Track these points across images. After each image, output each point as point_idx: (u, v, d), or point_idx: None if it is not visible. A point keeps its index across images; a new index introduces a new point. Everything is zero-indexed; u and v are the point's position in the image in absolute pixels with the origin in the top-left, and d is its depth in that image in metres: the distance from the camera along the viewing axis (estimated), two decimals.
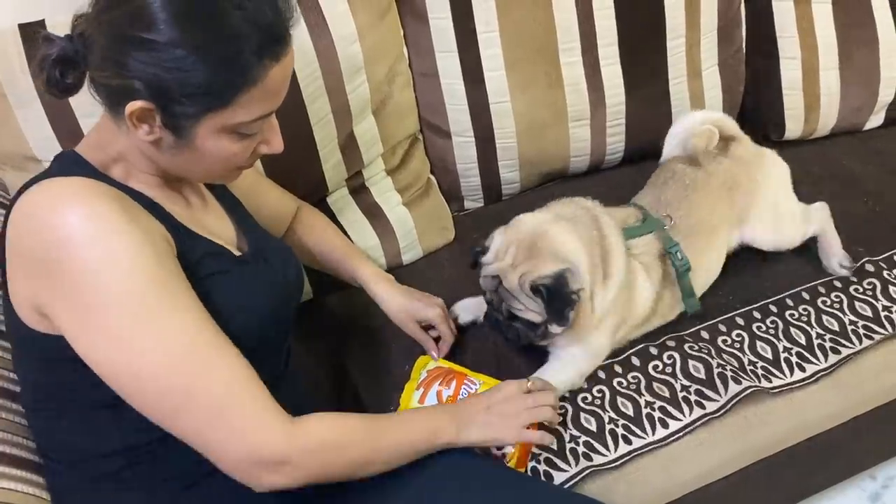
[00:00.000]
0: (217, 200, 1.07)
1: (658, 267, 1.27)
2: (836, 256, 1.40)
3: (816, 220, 1.43)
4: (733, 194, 1.37)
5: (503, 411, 1.01)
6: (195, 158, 0.89)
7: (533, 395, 1.05)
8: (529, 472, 1.13)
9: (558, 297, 1.11)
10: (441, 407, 1.02)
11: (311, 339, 1.32)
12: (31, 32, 1.18)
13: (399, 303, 1.25)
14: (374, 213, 1.45)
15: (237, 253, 0.98)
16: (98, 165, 0.90)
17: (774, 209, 1.39)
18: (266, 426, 0.82)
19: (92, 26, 0.84)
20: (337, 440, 0.87)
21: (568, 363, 1.22)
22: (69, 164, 0.90)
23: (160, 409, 0.81)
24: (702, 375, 1.24)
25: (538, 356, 1.25)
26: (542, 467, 1.14)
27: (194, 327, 0.81)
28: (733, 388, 1.22)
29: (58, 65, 0.85)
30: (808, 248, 1.44)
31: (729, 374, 1.24)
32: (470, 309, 1.34)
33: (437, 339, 1.26)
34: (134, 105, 0.82)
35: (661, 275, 1.27)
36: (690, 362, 1.26)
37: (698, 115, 1.45)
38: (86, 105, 1.18)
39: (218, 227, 1.02)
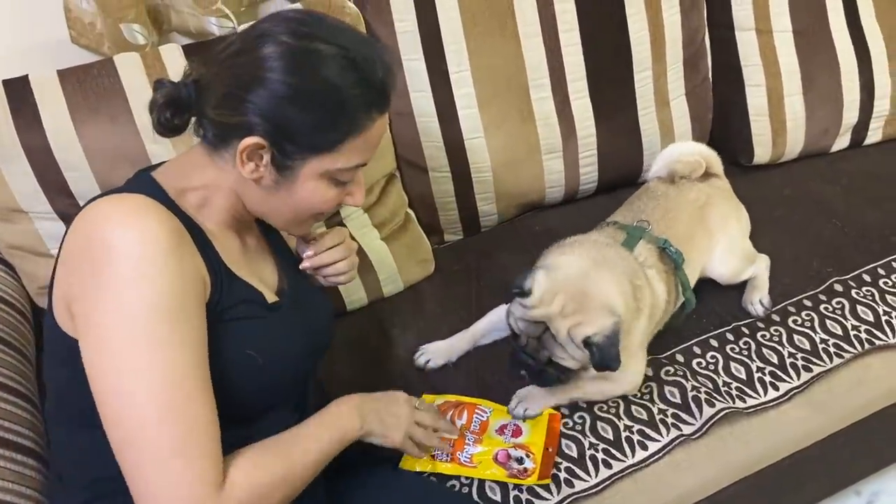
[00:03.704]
0: (269, 245, 1.11)
1: (663, 268, 1.32)
2: (760, 294, 1.43)
3: (759, 265, 1.47)
4: (706, 210, 1.42)
5: (394, 413, 1.07)
6: (289, 200, 0.95)
7: (418, 411, 1.11)
8: (512, 501, 1.15)
9: (607, 353, 1.13)
10: (343, 403, 1.03)
11: None
12: (16, 88, 1.23)
13: None
14: None
15: (273, 299, 1.01)
16: (171, 192, 0.93)
17: (733, 247, 1.44)
18: (202, 488, 0.82)
19: (212, 71, 0.92)
20: (259, 490, 0.87)
21: (619, 381, 1.25)
22: (142, 184, 0.95)
23: (119, 432, 0.82)
24: (677, 399, 1.27)
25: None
26: (524, 496, 1.16)
27: (185, 369, 0.82)
28: (707, 410, 1.25)
29: (168, 107, 0.93)
30: (776, 270, 1.48)
31: (703, 397, 1.27)
32: (441, 353, 1.35)
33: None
34: (249, 141, 0.88)
35: (666, 274, 1.32)
36: (666, 388, 1.29)
37: (691, 146, 1.52)
38: (73, 160, 1.24)
39: (266, 272, 1.06)
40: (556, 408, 1.26)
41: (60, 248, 0.91)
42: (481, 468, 1.17)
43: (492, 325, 1.37)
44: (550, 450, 1.19)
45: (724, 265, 1.43)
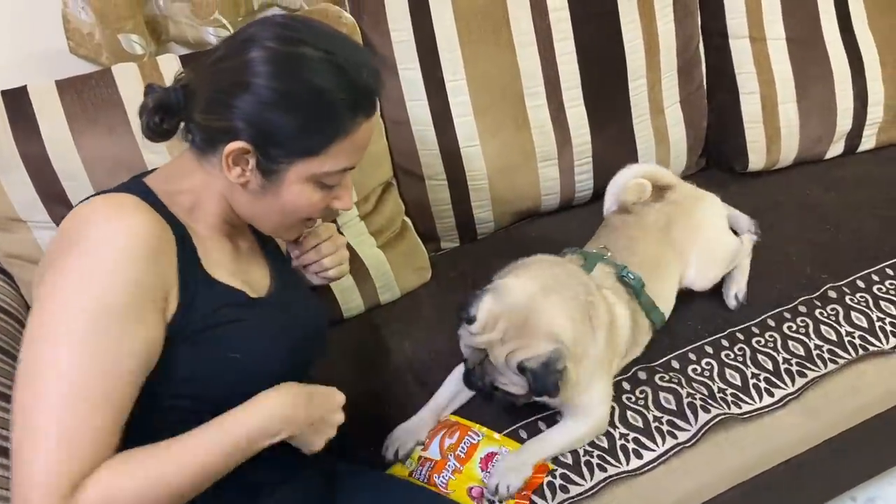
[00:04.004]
0: (261, 248, 1.11)
1: (622, 290, 1.32)
2: (736, 287, 1.45)
3: (740, 257, 1.48)
4: (671, 230, 1.42)
5: (328, 420, 0.97)
6: (276, 204, 0.95)
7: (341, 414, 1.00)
8: None
9: (543, 380, 1.11)
10: (260, 403, 0.91)
11: None
12: (14, 98, 1.24)
13: None
14: None
15: (255, 295, 1.00)
16: (161, 195, 0.94)
17: (710, 252, 1.44)
18: (58, 488, 0.78)
19: (200, 77, 0.93)
20: (109, 500, 0.81)
21: (584, 416, 1.23)
22: (133, 186, 0.96)
23: (16, 412, 0.81)
24: (672, 406, 1.27)
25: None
26: (521, 503, 1.16)
27: (96, 372, 0.81)
28: (703, 416, 1.25)
29: (157, 112, 0.94)
30: (771, 275, 1.49)
31: (698, 403, 1.27)
32: (409, 435, 1.24)
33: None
34: (234, 145, 0.89)
35: (627, 297, 1.32)
36: (661, 394, 1.29)
37: (631, 170, 1.51)
38: (71, 169, 1.25)
39: (256, 275, 1.06)
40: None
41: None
42: (454, 497, 1.15)
43: (452, 392, 1.29)
44: (525, 492, 1.16)
45: (704, 278, 1.43)
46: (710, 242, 1.45)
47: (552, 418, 1.26)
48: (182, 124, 0.96)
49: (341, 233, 1.51)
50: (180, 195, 0.96)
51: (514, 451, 1.19)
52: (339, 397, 1.00)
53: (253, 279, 1.04)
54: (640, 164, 1.53)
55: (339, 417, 0.99)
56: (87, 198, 0.93)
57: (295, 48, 0.89)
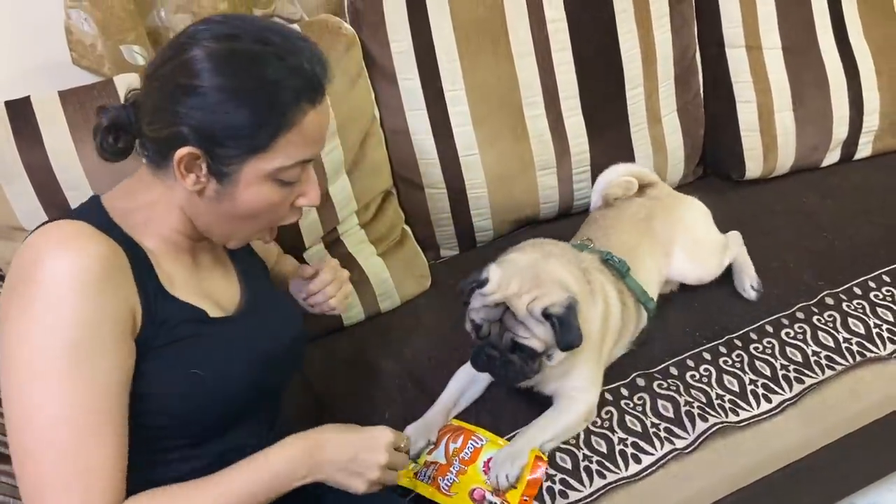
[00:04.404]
0: (232, 262, 1.10)
1: (608, 272, 1.35)
2: (749, 278, 1.49)
3: (733, 248, 1.52)
4: (650, 222, 1.46)
5: (363, 460, 0.96)
6: (235, 209, 0.93)
7: (395, 455, 1.00)
8: None
9: (568, 323, 1.15)
10: (293, 446, 0.94)
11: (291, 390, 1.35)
12: (18, 109, 1.25)
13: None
14: (348, 264, 1.46)
15: (218, 314, 0.99)
16: (115, 213, 0.93)
17: (694, 245, 1.47)
18: None
19: (144, 88, 0.92)
20: None
21: (575, 399, 1.25)
22: (86, 208, 0.96)
23: (14, 455, 0.83)
24: (670, 414, 1.28)
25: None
26: None
27: (83, 405, 0.82)
28: (700, 425, 1.26)
29: (111, 131, 0.93)
30: (768, 282, 1.50)
31: (696, 411, 1.28)
32: (419, 433, 1.24)
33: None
34: (182, 151, 0.87)
35: (613, 278, 1.35)
36: (660, 402, 1.30)
37: (619, 168, 1.55)
38: (73, 179, 1.26)
39: (220, 288, 1.04)
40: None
41: None
42: (457, 499, 1.16)
43: (458, 391, 1.31)
44: (526, 498, 1.17)
45: (699, 268, 1.47)
46: (696, 236, 1.48)
47: None
48: (137, 141, 0.95)
49: (342, 241, 1.52)
50: (136, 212, 0.95)
51: (508, 444, 1.21)
52: (381, 437, 0.98)
53: (219, 294, 1.03)
54: (625, 164, 1.57)
55: (380, 458, 0.96)
56: (41, 225, 0.92)
57: (230, 44, 0.88)
